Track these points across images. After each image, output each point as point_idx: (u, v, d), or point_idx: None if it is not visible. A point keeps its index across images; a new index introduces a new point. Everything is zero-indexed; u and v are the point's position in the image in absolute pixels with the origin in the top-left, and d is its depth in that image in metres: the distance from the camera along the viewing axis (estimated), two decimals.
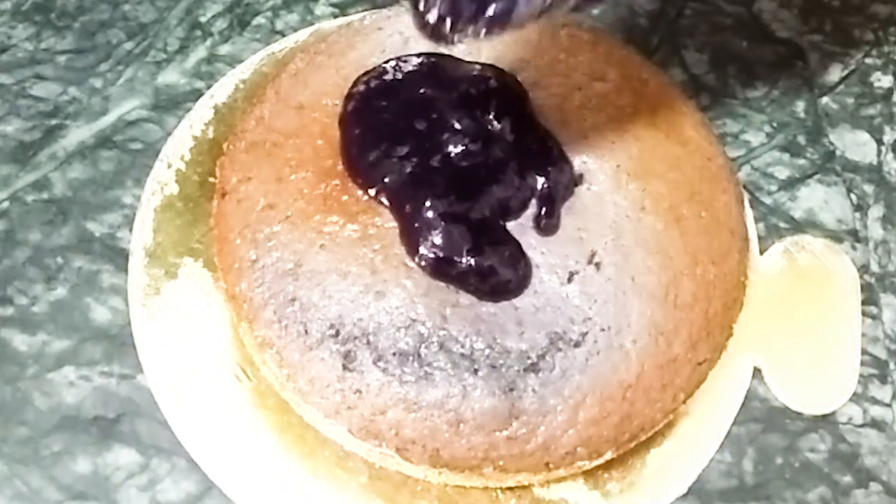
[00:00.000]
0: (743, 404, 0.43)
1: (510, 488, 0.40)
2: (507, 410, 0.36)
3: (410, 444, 0.36)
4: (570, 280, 0.38)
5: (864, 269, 0.47)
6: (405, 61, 0.42)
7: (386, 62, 0.42)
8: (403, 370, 0.36)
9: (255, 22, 0.51)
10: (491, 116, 0.40)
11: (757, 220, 0.48)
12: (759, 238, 0.47)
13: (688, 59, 0.52)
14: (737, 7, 0.54)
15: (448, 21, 0.30)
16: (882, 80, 0.53)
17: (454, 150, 0.39)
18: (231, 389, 0.42)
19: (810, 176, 0.50)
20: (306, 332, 0.37)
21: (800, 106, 0.52)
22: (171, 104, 0.48)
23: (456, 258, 0.37)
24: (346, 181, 0.39)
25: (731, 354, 0.43)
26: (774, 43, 0.53)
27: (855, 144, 0.51)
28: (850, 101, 0.52)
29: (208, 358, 0.42)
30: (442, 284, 0.37)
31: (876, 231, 0.49)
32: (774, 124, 0.51)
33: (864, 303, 0.46)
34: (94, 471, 0.41)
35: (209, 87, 0.48)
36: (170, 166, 0.46)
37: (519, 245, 0.38)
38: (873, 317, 0.46)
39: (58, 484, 0.40)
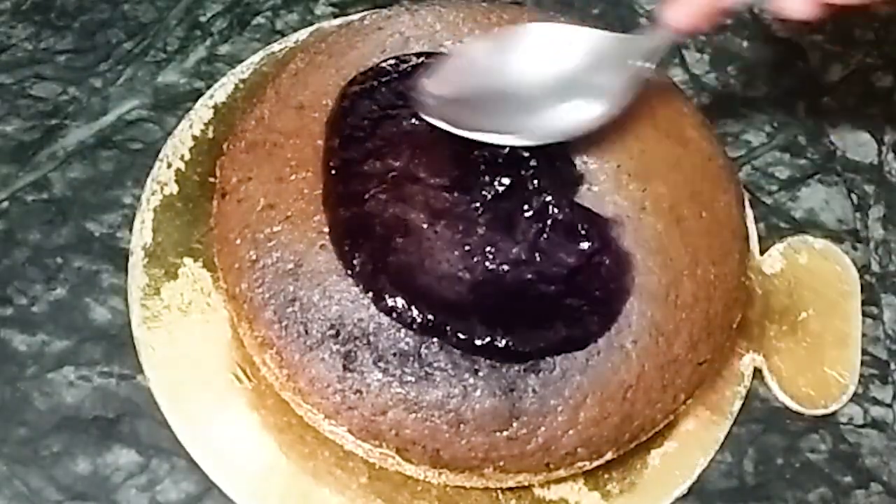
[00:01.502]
0: (743, 404, 0.43)
1: (511, 489, 0.40)
2: (508, 411, 0.36)
3: (411, 445, 0.36)
4: None
5: (864, 269, 0.47)
6: (404, 61, 0.42)
7: (384, 62, 0.42)
8: (404, 370, 0.36)
9: (255, 22, 0.51)
10: None
11: (757, 220, 0.48)
12: (760, 238, 0.47)
13: (688, 59, 0.52)
14: None
15: None
16: (882, 80, 0.53)
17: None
18: (230, 389, 0.42)
19: (811, 176, 0.50)
20: (306, 332, 0.37)
21: (800, 106, 0.52)
22: (171, 104, 0.48)
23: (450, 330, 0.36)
24: None
25: (732, 354, 0.43)
26: (775, 43, 0.53)
27: (855, 144, 0.51)
28: (851, 101, 0.52)
29: (208, 358, 0.42)
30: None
31: (876, 231, 0.49)
32: (775, 124, 0.51)
33: (864, 303, 0.46)
34: (94, 471, 0.41)
35: (209, 87, 0.48)
36: (170, 166, 0.46)
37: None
38: (874, 317, 0.46)
39: (58, 484, 0.40)
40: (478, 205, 0.38)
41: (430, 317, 0.36)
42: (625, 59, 0.38)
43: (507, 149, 0.39)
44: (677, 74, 0.51)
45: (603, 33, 0.39)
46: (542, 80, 0.39)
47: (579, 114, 0.38)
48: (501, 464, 0.37)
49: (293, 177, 0.39)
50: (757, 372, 0.44)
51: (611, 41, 0.39)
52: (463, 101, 0.39)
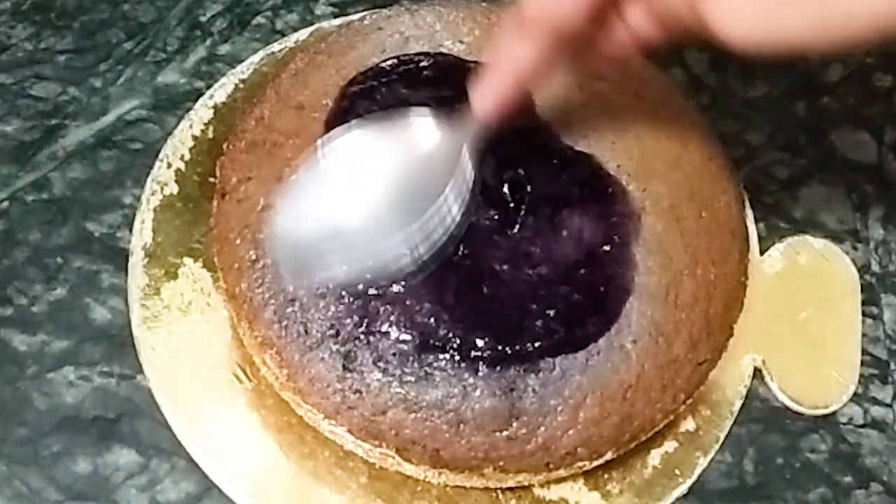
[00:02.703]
0: (743, 404, 0.43)
1: (510, 489, 0.40)
2: (508, 411, 0.36)
3: (411, 445, 0.36)
4: None
5: (864, 269, 0.47)
6: (404, 62, 0.42)
7: (384, 62, 0.42)
8: (404, 370, 0.36)
9: (255, 22, 0.51)
10: None
11: (757, 220, 0.48)
12: (760, 238, 0.47)
13: (688, 59, 0.52)
14: None
15: None
16: (882, 80, 0.53)
17: None
18: (230, 389, 0.42)
19: (811, 176, 0.50)
20: (306, 332, 0.37)
21: (800, 106, 0.52)
22: (171, 104, 0.48)
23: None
24: None
25: (732, 354, 0.42)
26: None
27: (855, 144, 0.51)
28: (851, 101, 0.52)
29: (208, 358, 0.42)
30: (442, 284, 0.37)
31: (876, 231, 0.48)
32: (775, 124, 0.51)
33: (864, 303, 0.46)
34: (94, 471, 0.41)
35: (209, 87, 0.48)
36: (170, 166, 0.46)
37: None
38: (874, 317, 0.46)
39: (58, 484, 0.40)
40: (476, 204, 0.38)
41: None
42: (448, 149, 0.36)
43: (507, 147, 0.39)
44: (677, 74, 0.51)
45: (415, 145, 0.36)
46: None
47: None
48: (501, 464, 0.37)
49: (293, 177, 0.39)
50: (757, 372, 0.44)
51: (425, 155, 0.36)
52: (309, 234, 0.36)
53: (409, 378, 0.36)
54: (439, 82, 0.41)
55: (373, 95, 0.41)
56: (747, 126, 0.51)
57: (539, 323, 0.36)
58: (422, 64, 0.42)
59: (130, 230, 0.44)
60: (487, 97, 0.34)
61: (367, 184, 0.36)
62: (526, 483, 0.39)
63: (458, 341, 0.36)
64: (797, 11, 0.27)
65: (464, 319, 0.36)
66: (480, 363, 0.36)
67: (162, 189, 0.45)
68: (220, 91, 0.48)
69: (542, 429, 0.37)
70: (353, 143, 0.37)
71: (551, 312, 0.36)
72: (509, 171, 0.39)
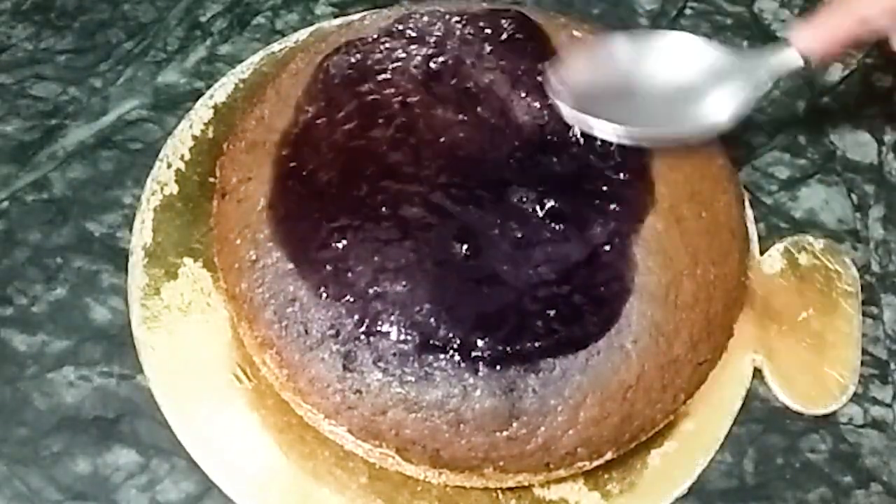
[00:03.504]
0: (743, 404, 0.43)
1: (510, 489, 0.40)
2: (508, 411, 0.36)
3: (411, 445, 0.36)
4: None
5: (864, 269, 0.47)
6: (380, 39, 0.42)
7: (360, 37, 0.42)
8: (404, 370, 0.36)
9: (255, 22, 0.51)
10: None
11: (757, 220, 0.48)
12: (760, 238, 0.47)
13: None
14: (737, 7, 0.54)
15: None
16: (882, 80, 0.53)
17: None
18: (231, 389, 0.42)
19: (811, 176, 0.50)
20: (306, 332, 0.37)
21: (800, 106, 0.52)
22: (171, 104, 0.48)
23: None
24: None
25: (732, 354, 0.42)
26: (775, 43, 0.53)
27: (855, 144, 0.51)
28: (851, 101, 0.52)
29: (208, 358, 0.42)
30: (442, 284, 0.37)
31: (876, 231, 0.48)
32: (775, 124, 0.51)
33: (864, 303, 0.46)
34: (94, 471, 0.41)
35: (209, 87, 0.48)
36: (170, 166, 0.46)
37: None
38: (874, 317, 0.46)
39: (58, 484, 0.40)
40: (476, 203, 0.38)
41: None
42: (748, 76, 0.39)
43: (513, 145, 0.39)
44: None
45: (732, 51, 0.40)
46: (668, 84, 0.40)
47: (699, 122, 0.39)
48: (501, 464, 0.37)
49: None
50: (757, 372, 0.44)
51: (738, 58, 0.40)
52: (590, 90, 0.40)
53: (409, 378, 0.36)
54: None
55: (352, 66, 0.41)
56: (747, 126, 0.51)
57: (539, 323, 0.36)
58: (401, 35, 0.42)
59: (130, 230, 0.44)
60: (821, 35, 0.38)
61: (679, 64, 0.40)
62: (526, 483, 0.39)
63: (458, 341, 0.36)
64: None
65: (464, 319, 0.36)
66: (480, 363, 0.36)
67: (162, 189, 0.45)
68: (220, 91, 0.48)
69: (542, 429, 0.36)
70: (673, 40, 0.41)
71: (551, 312, 0.36)
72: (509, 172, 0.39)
